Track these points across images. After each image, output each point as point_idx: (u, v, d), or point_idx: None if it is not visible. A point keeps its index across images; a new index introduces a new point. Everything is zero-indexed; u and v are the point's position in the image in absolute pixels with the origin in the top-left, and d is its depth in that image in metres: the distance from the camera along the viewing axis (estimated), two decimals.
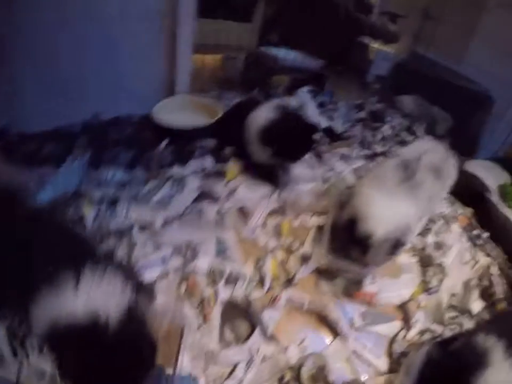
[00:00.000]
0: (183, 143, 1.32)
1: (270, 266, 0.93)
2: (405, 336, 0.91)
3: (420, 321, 0.94)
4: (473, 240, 1.35)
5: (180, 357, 0.73)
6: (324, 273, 0.97)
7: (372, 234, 0.88)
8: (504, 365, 0.62)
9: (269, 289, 0.89)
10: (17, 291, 0.56)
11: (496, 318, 0.95)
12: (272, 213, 1.12)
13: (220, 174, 1.21)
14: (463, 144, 1.94)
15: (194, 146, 1.32)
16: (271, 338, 0.81)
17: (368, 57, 2.52)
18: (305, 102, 1.75)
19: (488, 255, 1.28)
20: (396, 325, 0.93)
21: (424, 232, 1.26)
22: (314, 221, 1.12)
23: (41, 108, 1.27)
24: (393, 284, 1.01)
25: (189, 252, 0.93)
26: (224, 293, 0.86)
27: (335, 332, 0.86)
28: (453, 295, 1.06)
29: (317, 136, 1.49)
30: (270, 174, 1.23)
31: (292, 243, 1.02)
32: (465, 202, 1.55)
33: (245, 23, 2.41)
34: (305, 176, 1.29)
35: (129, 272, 0.72)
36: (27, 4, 1.12)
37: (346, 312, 0.90)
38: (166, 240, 0.94)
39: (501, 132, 1.88)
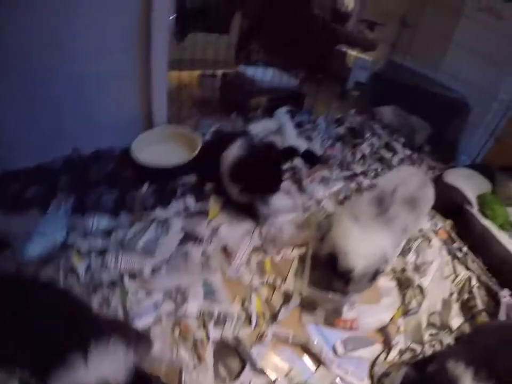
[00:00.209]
0: (164, 182, 1.47)
1: (255, 304, 1.09)
2: (385, 358, 1.08)
3: (400, 342, 1.11)
4: (453, 253, 1.53)
5: None
6: (305, 305, 1.13)
7: (352, 269, 1.04)
8: None
9: (255, 326, 1.05)
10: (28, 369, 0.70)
11: (468, 340, 1.09)
12: (255, 249, 1.28)
13: (202, 213, 1.36)
14: (443, 151, 2.15)
15: (175, 184, 1.47)
16: (260, 371, 0.97)
17: (346, 64, 2.72)
18: (284, 124, 1.92)
19: (467, 268, 1.46)
20: (377, 348, 1.10)
21: (405, 252, 1.43)
22: (295, 253, 1.29)
23: (22, 145, 1.40)
24: (373, 309, 1.18)
25: (179, 296, 1.08)
26: (215, 334, 1.01)
27: (319, 360, 1.02)
28: (432, 313, 1.23)
29: (295, 162, 1.67)
30: (249, 209, 1.39)
31: (275, 279, 1.18)
32: (446, 214, 1.73)
33: (222, 34, 2.52)
34: (285, 206, 1.46)
35: (127, 330, 0.88)
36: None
37: (329, 340, 1.07)
38: (156, 287, 1.09)
39: (479, 138, 2.07)
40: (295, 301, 1.13)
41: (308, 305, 1.13)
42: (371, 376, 1.03)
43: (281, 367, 0.99)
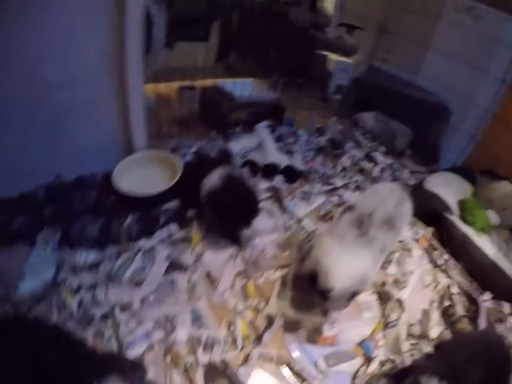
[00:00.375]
0: (147, 210, 1.62)
1: (240, 328, 1.25)
2: (366, 370, 1.23)
3: (380, 354, 1.27)
4: (434, 261, 1.69)
5: None
6: (288, 325, 1.29)
7: (332, 288, 1.18)
8: None
9: (242, 348, 1.21)
10: None
11: (440, 355, 1.24)
12: (239, 274, 1.44)
13: (186, 240, 1.52)
14: (424, 155, 2.32)
15: (158, 212, 1.62)
16: None
17: (327, 68, 2.88)
18: (264, 139, 2.07)
19: (448, 276, 1.62)
20: (358, 361, 1.25)
21: (385, 264, 1.59)
22: (277, 275, 1.46)
23: (5, 173, 1.49)
24: (353, 324, 1.34)
25: (168, 324, 1.23)
26: (204, 358, 1.16)
27: (302, 377, 1.18)
28: (412, 324, 1.39)
29: (275, 181, 1.83)
30: (231, 233, 1.54)
31: (258, 303, 1.34)
32: (427, 222, 1.89)
33: (201, 42, 2.69)
34: (267, 228, 1.61)
35: (123, 363, 1.02)
36: None
37: (311, 357, 1.23)
38: (146, 317, 1.23)
39: (459, 142, 2.25)
40: (278, 322, 1.28)
41: (290, 326, 1.29)
42: None
43: None
